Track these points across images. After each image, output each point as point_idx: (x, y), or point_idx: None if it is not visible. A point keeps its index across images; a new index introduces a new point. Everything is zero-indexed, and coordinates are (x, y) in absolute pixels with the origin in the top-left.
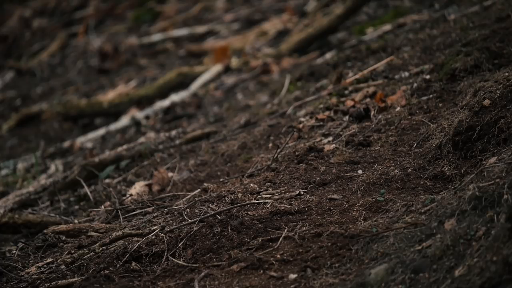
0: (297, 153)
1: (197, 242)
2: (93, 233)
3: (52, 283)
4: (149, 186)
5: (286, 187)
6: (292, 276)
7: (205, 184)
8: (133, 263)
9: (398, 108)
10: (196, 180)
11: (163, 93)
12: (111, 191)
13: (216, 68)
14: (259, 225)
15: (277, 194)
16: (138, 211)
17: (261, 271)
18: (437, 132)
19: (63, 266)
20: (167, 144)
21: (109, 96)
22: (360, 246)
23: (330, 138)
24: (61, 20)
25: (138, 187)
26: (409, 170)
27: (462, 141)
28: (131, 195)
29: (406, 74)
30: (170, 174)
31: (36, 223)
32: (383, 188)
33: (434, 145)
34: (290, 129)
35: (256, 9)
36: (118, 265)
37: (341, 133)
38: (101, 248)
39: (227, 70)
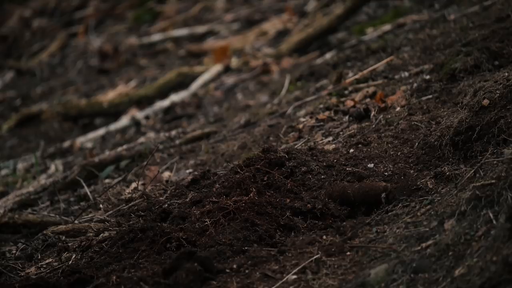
0: None
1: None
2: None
3: None
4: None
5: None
6: (292, 276)
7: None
8: None
9: (398, 108)
10: None
11: (163, 93)
12: (110, 191)
13: (216, 68)
14: None
15: None
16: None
17: (261, 269)
18: (437, 132)
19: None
20: (167, 144)
21: (109, 96)
22: (360, 247)
23: (330, 138)
24: (61, 20)
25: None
26: (409, 171)
27: (462, 141)
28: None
29: (406, 74)
30: (168, 174)
31: (36, 223)
32: None
33: (434, 145)
34: (290, 129)
35: (256, 9)
36: None
37: (341, 133)
38: None
39: (227, 70)
